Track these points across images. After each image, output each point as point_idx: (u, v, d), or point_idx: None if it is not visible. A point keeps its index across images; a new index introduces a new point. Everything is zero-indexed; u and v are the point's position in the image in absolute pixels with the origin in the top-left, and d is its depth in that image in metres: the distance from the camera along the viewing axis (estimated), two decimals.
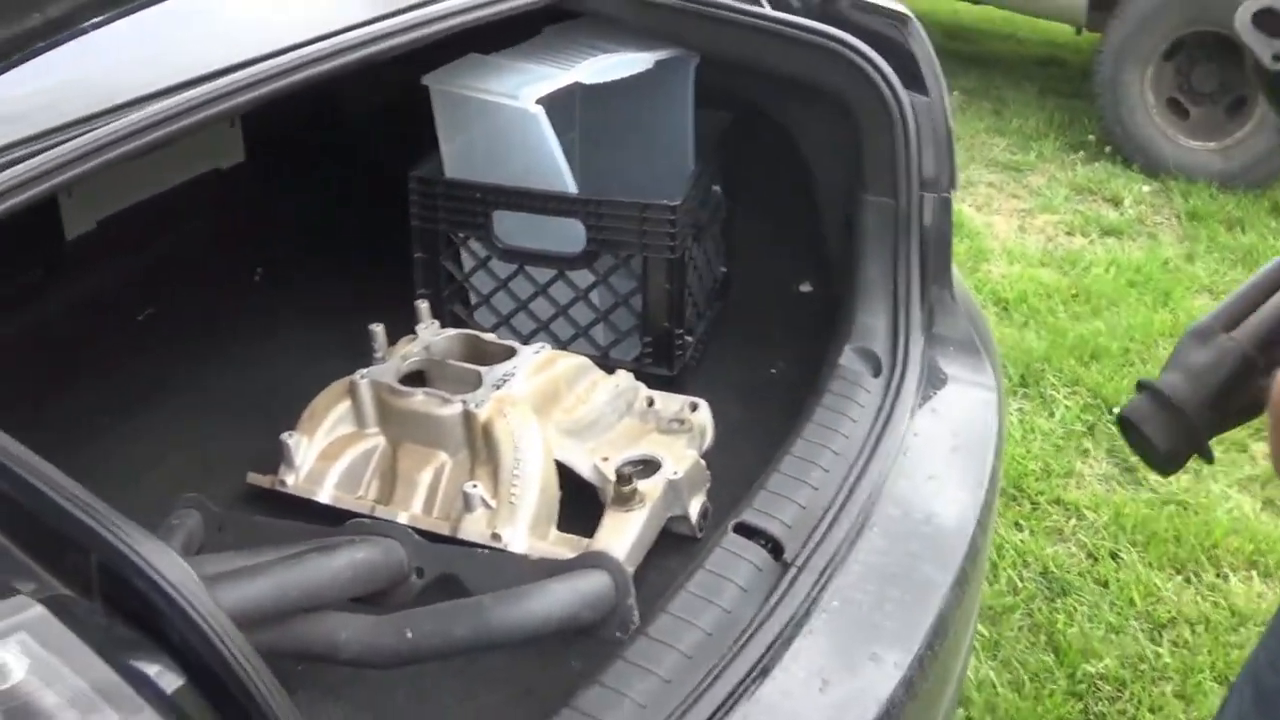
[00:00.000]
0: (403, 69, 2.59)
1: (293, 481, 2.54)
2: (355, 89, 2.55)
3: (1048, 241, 6.21)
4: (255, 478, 2.61)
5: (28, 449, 1.48)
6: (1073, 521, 4.13)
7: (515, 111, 2.68)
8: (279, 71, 2.18)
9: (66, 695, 1.20)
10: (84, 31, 1.97)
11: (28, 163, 1.86)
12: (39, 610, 1.23)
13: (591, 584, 2.00)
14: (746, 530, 2.12)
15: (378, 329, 2.70)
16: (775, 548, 2.10)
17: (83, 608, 1.34)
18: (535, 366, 2.56)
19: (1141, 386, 1.73)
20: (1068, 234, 6.31)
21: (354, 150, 3.07)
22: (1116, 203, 6.61)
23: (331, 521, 2.26)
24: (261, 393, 2.87)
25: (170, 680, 1.32)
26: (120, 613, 1.37)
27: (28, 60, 1.92)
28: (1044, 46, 9.34)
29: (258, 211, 2.93)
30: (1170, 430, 1.70)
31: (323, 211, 3.11)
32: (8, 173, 1.85)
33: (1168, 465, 1.72)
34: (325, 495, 2.52)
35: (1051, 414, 4.71)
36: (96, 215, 2.42)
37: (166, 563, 1.35)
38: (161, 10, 2.09)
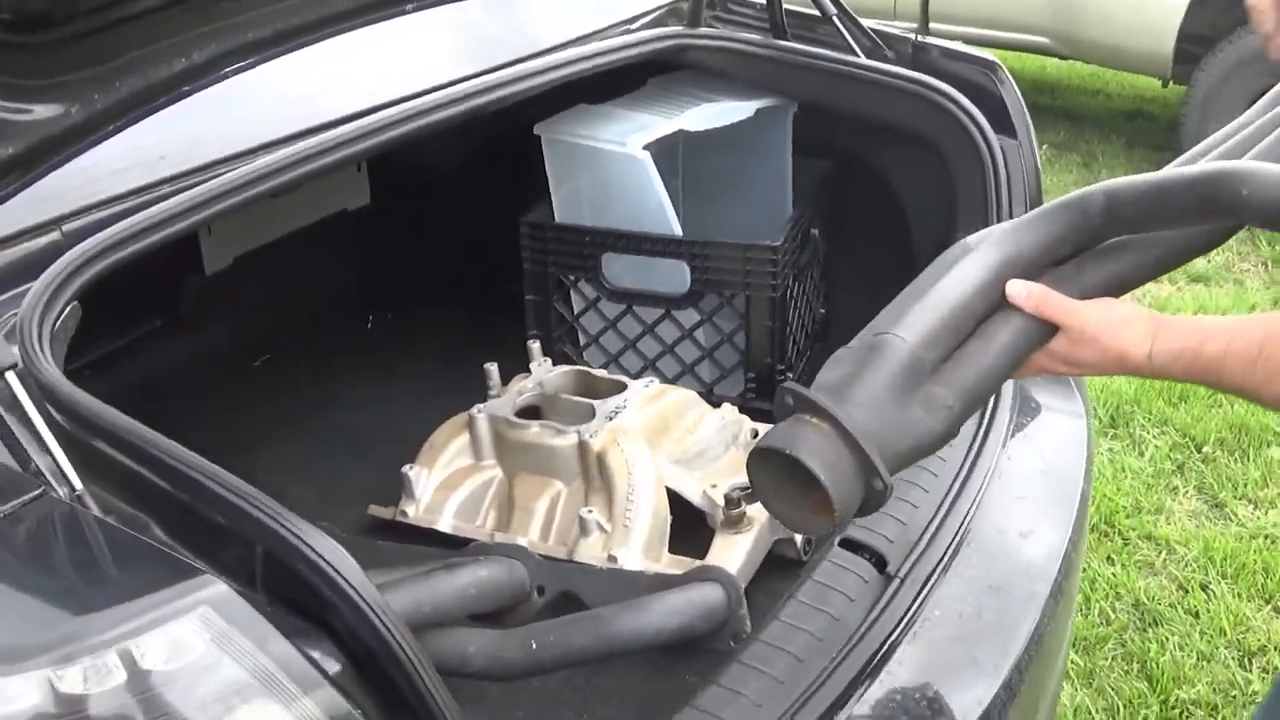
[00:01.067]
0: (514, 118, 2.72)
1: (413, 512, 2.64)
2: (470, 137, 2.68)
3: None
4: (377, 509, 2.71)
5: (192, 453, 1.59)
6: (1163, 555, 4.19)
7: (623, 157, 2.79)
8: (403, 117, 2.32)
9: (248, 667, 1.31)
10: (224, 77, 2.10)
11: (175, 199, 2.00)
12: (221, 588, 1.34)
13: (705, 595, 2.09)
14: (852, 545, 2.22)
15: (492, 367, 2.81)
16: (879, 561, 2.20)
17: (250, 597, 1.43)
18: (645, 399, 2.66)
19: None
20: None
21: (468, 196, 3.19)
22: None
23: (452, 550, 2.34)
24: (381, 429, 2.98)
25: (332, 664, 1.42)
26: (283, 603, 1.47)
27: (171, 105, 2.05)
28: (1131, 100, 9.40)
29: (381, 253, 3.05)
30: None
31: (439, 255, 3.23)
32: (156, 208, 1.99)
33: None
34: (445, 524, 2.62)
35: (1141, 453, 4.78)
36: (234, 252, 2.55)
37: (335, 554, 1.45)
38: (294, 59, 2.22)
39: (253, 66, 2.16)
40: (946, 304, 1.67)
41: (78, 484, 1.55)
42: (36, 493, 1.49)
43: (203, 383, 2.93)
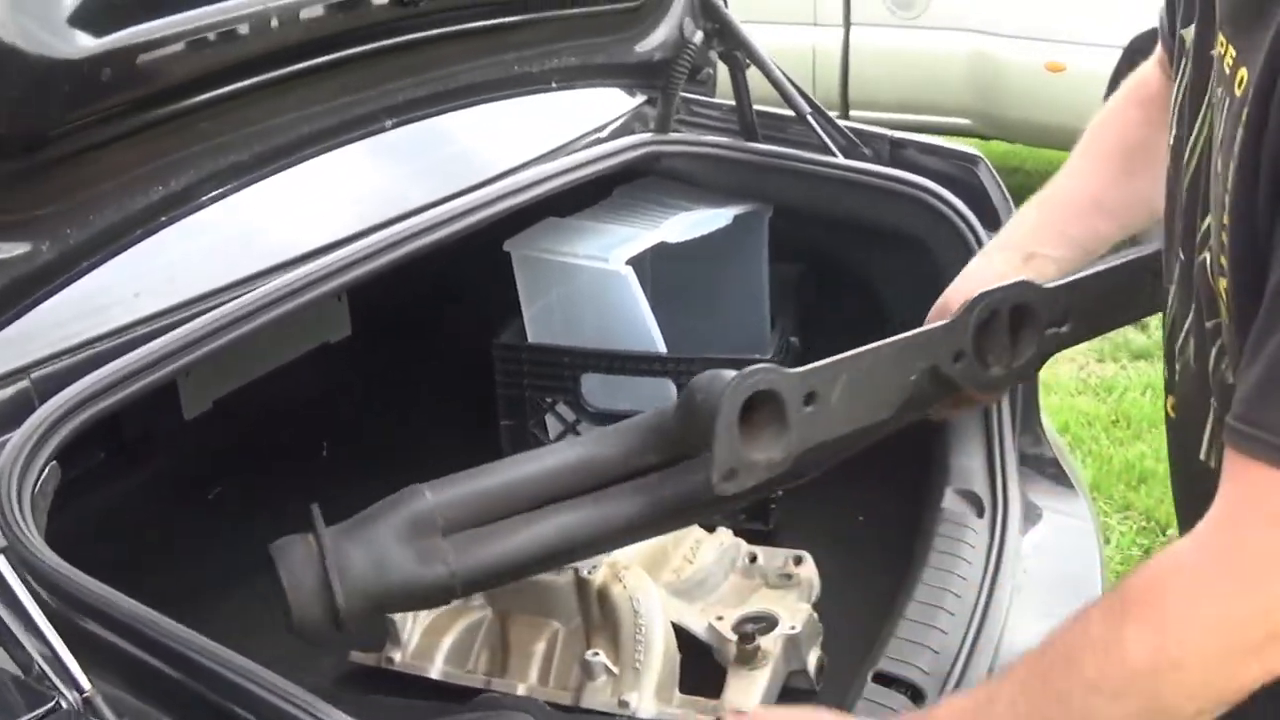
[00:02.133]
0: (481, 235, 2.61)
1: (400, 658, 2.50)
2: (440, 258, 2.57)
3: (1080, 370, 6.22)
4: (360, 655, 2.55)
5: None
6: None
7: (605, 274, 2.69)
8: (384, 246, 2.21)
9: None
10: (201, 205, 2.00)
11: (154, 344, 1.87)
12: None
13: None
14: (886, 679, 2.11)
15: None
16: (915, 694, 2.09)
17: None
18: None
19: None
20: (1099, 361, 6.32)
21: (441, 318, 3.07)
22: (1143, 327, 6.62)
23: (441, 699, 2.27)
24: None
25: None
26: None
27: (147, 237, 1.94)
28: (1048, 175, 9.38)
29: (363, 383, 2.93)
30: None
31: (418, 381, 3.11)
32: (135, 354, 1.85)
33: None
34: (435, 671, 2.48)
35: (1108, 540, 4.69)
36: (214, 394, 2.43)
37: None
38: (270, 183, 2.12)
39: (232, 192, 2.05)
40: (490, 477, 1.77)
41: (85, 684, 1.40)
42: (49, 706, 1.34)
43: (162, 516, 2.77)
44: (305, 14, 2.12)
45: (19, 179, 1.74)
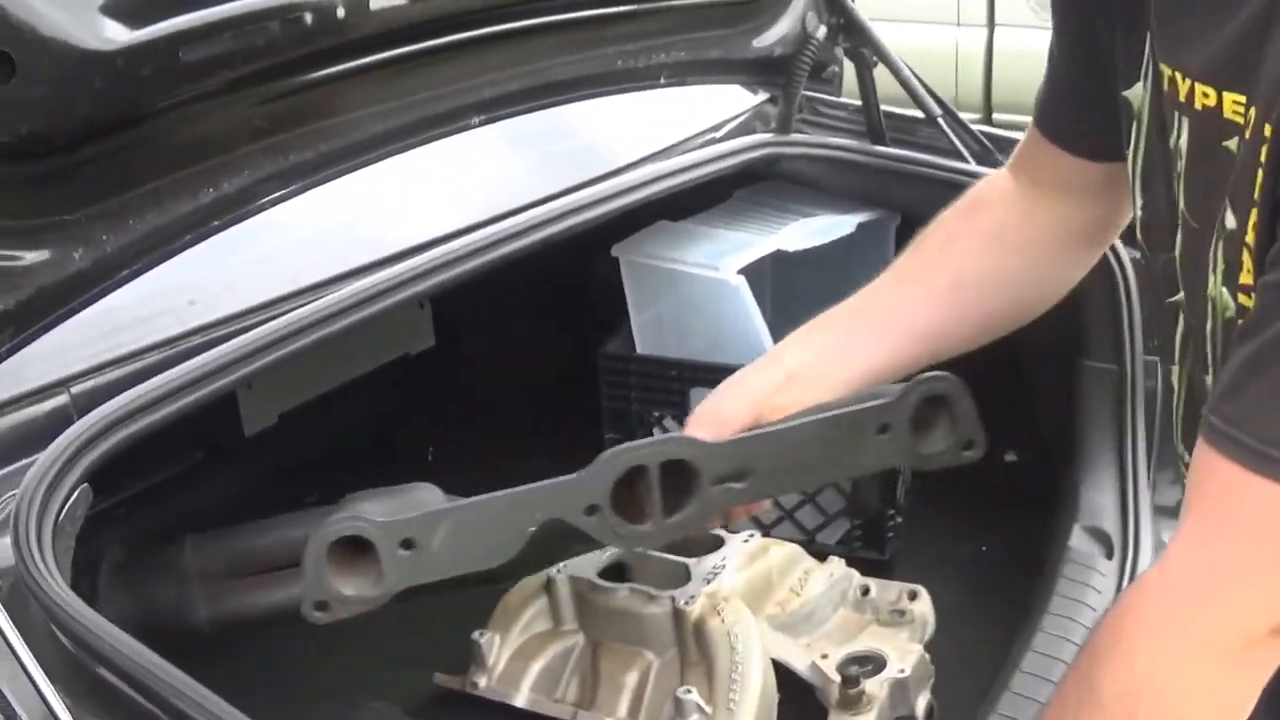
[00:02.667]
0: (586, 238, 2.49)
1: (485, 683, 2.38)
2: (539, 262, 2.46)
3: None
4: (443, 679, 2.45)
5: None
6: None
7: (716, 283, 2.58)
8: (472, 250, 2.08)
9: None
10: (260, 209, 1.88)
11: (207, 355, 1.75)
12: None
13: None
14: None
15: None
16: None
17: None
18: (746, 557, 2.40)
19: None
20: None
21: (536, 325, 2.96)
22: None
23: None
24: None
25: None
26: None
27: (198, 242, 1.82)
28: None
29: (447, 395, 2.81)
30: None
31: (509, 393, 3.00)
32: (184, 366, 1.74)
33: None
34: (521, 698, 2.36)
35: None
36: (279, 409, 2.33)
37: None
38: (344, 183, 1.99)
39: (295, 194, 1.93)
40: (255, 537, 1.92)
41: None
42: None
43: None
44: (376, 3, 1.98)
45: (48, 181, 1.64)
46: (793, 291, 3.01)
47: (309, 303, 1.88)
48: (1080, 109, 1.74)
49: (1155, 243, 1.58)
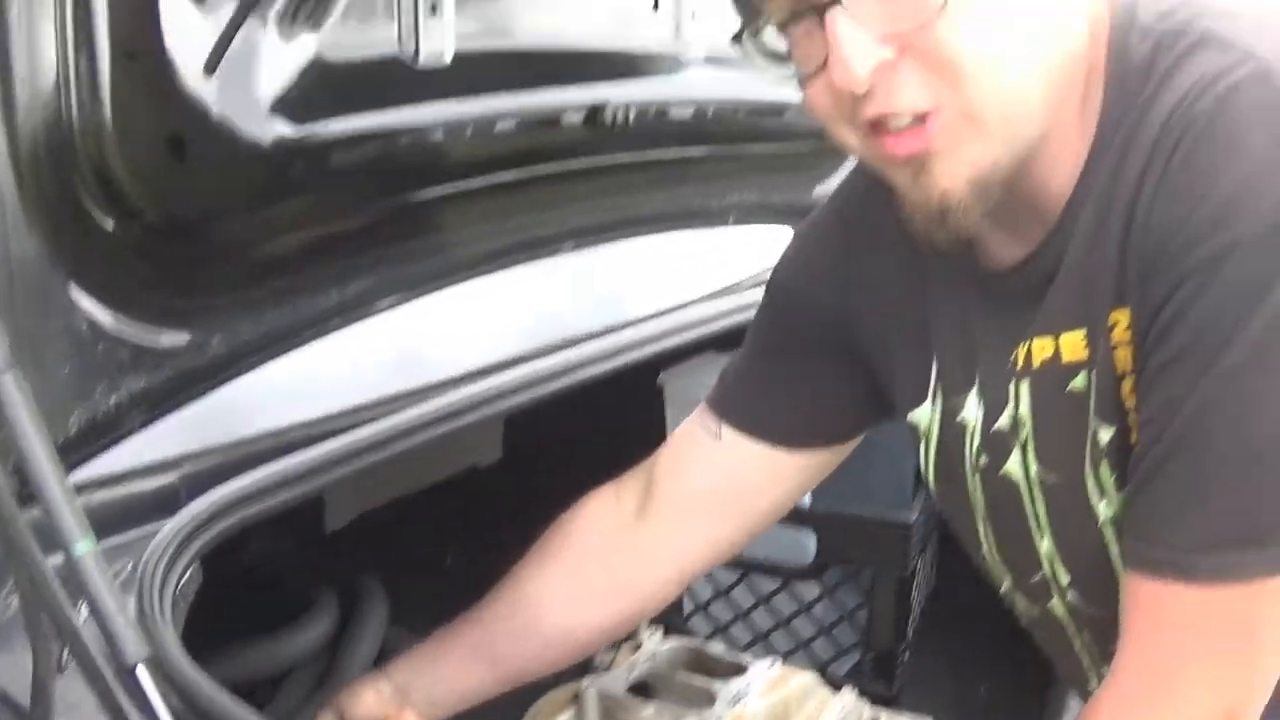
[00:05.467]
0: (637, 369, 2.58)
1: None
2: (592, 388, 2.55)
3: None
4: None
5: None
6: None
7: None
8: (545, 377, 2.17)
9: None
10: (372, 313, 1.97)
11: (303, 454, 1.83)
12: None
13: None
14: None
15: None
16: None
17: None
18: (768, 684, 2.45)
19: None
20: None
21: (588, 445, 3.03)
22: None
23: None
24: None
25: None
26: None
27: (311, 340, 1.91)
28: None
29: (510, 507, 2.90)
30: None
31: (559, 509, 3.08)
32: (287, 461, 1.82)
33: None
34: None
35: None
36: (356, 509, 2.41)
37: None
38: (435, 299, 2.09)
39: (402, 303, 2.03)
40: None
41: None
42: None
43: None
44: (500, 127, 2.09)
45: (197, 264, 1.70)
46: None
47: (397, 410, 1.96)
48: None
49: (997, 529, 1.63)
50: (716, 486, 1.90)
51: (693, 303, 2.61)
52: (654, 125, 2.43)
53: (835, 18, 1.28)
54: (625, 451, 2.79)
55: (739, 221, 2.80)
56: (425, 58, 1.92)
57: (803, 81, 1.36)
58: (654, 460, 2.00)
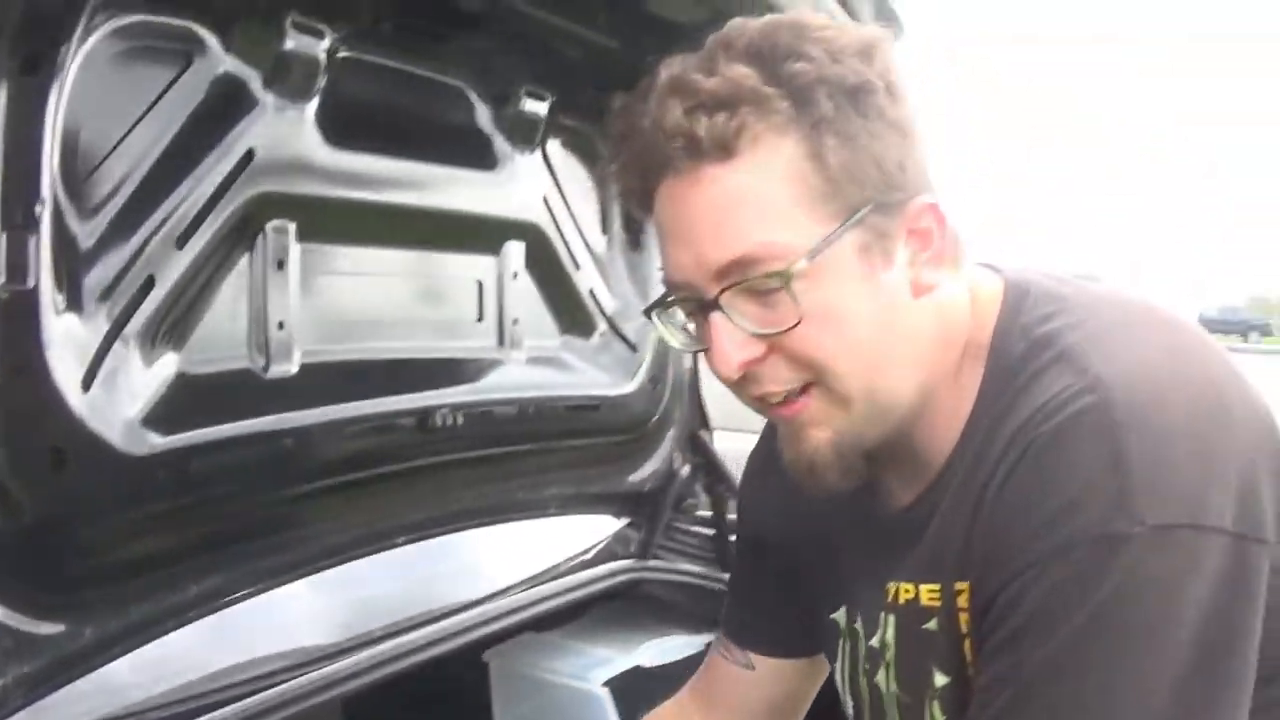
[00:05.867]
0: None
1: None
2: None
3: None
4: None
5: None
6: None
7: (583, 694, 2.78)
8: (383, 660, 2.34)
9: None
10: (222, 606, 2.12)
11: None
12: None
13: None
14: None
15: None
16: None
17: None
18: None
19: None
20: None
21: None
22: None
23: None
24: None
25: None
26: None
27: (171, 630, 2.05)
28: None
29: None
30: None
31: None
32: None
33: None
34: None
35: None
36: None
37: None
38: (278, 594, 2.25)
39: (253, 595, 2.18)
40: None
41: None
42: None
43: None
44: (343, 431, 2.30)
45: (75, 561, 1.85)
46: (644, 702, 3.24)
47: (247, 694, 2.12)
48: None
49: None
50: (758, 710, 2.00)
51: (514, 587, 2.79)
52: (480, 424, 2.64)
53: (714, 318, 1.45)
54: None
55: (559, 512, 3.01)
56: (273, 371, 2.14)
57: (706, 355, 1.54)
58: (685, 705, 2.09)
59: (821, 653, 1.87)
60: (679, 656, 2.97)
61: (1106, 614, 1.34)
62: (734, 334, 1.45)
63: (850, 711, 1.78)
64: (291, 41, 2.09)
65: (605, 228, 3.05)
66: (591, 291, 2.99)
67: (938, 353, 1.53)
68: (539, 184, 2.80)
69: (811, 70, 1.41)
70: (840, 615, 1.75)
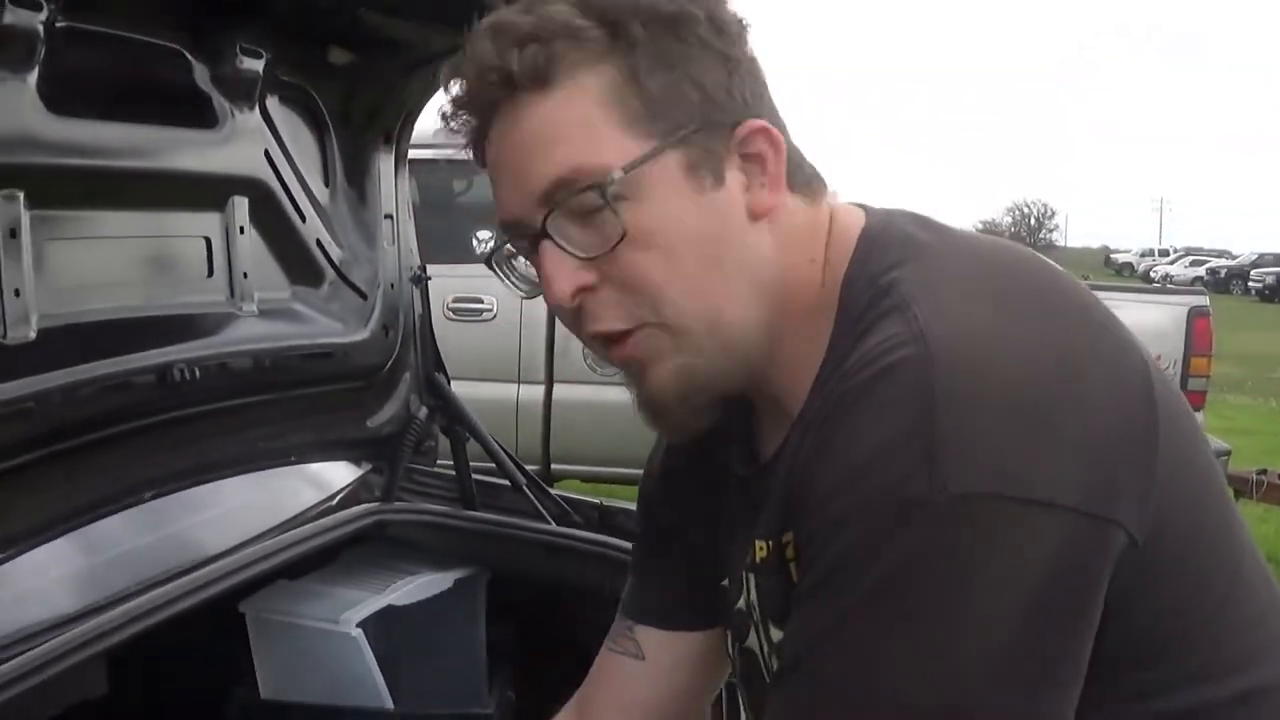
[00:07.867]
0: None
1: None
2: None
3: None
4: None
5: None
6: None
7: (338, 636, 2.84)
8: (146, 611, 2.38)
9: None
10: None
11: None
12: None
13: None
14: None
15: None
16: None
17: None
18: None
19: None
20: None
21: (186, 676, 3.18)
22: None
23: None
24: None
25: None
26: None
27: None
28: None
29: None
30: None
31: None
32: None
33: None
34: None
35: None
36: None
37: None
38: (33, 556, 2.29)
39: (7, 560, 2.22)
40: None
41: None
42: None
43: None
44: (83, 393, 2.33)
45: None
46: (398, 641, 3.30)
47: (11, 657, 2.14)
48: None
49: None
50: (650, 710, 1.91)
51: (262, 536, 2.85)
52: (217, 377, 2.69)
53: (543, 247, 1.44)
54: (214, 678, 2.98)
55: (301, 460, 3.08)
56: (11, 337, 2.17)
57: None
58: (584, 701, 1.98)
59: (716, 625, 1.80)
60: (429, 595, 3.07)
61: (891, 584, 1.28)
62: (563, 260, 1.44)
63: (739, 682, 1.76)
64: (10, 16, 2.10)
65: (329, 180, 3.12)
66: (319, 242, 3.05)
67: (786, 287, 1.50)
68: (260, 140, 2.85)
69: (626, 3, 1.44)
70: (727, 583, 1.72)
